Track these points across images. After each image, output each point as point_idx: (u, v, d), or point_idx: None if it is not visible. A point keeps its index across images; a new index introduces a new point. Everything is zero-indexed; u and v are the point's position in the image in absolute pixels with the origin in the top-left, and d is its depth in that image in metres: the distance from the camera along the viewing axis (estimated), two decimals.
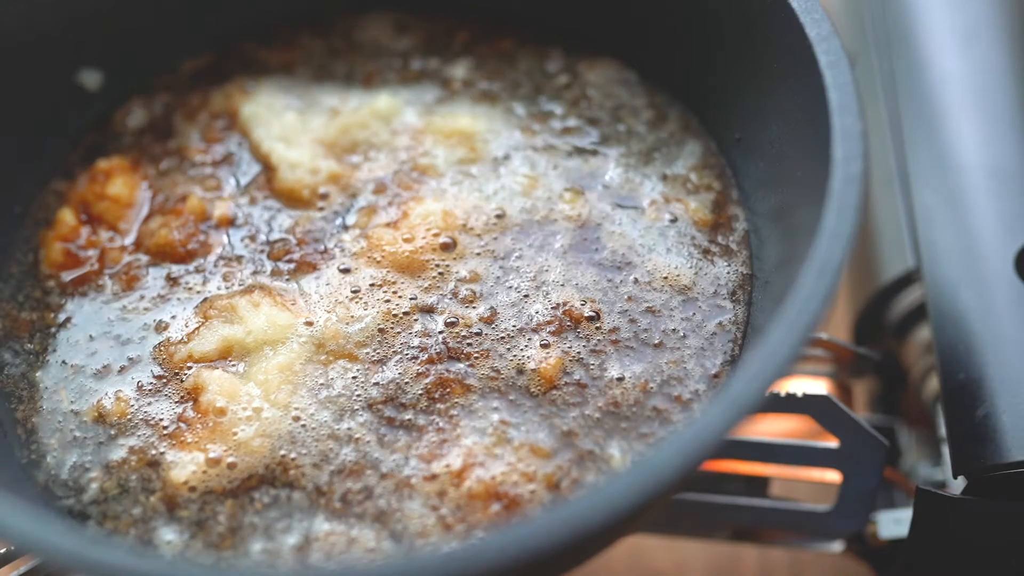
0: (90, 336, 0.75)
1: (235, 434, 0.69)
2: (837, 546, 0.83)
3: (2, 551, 0.70)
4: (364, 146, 0.82)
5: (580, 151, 0.81)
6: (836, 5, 1.01)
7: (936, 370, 0.77)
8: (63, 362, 0.74)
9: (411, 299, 0.73)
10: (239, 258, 0.77)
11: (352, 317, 0.73)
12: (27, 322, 0.76)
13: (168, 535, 0.67)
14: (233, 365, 0.72)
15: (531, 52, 0.87)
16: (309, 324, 0.73)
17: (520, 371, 0.70)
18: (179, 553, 0.66)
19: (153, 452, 0.69)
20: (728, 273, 0.75)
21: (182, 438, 0.69)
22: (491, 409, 0.69)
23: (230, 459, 0.68)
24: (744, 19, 0.74)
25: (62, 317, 0.76)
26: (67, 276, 0.78)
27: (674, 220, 0.77)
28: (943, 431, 0.76)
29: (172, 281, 0.77)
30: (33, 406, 0.73)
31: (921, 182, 0.83)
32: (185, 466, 0.68)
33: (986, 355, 0.75)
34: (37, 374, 0.74)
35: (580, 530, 0.52)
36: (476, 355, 0.71)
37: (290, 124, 0.83)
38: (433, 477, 0.67)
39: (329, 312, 0.73)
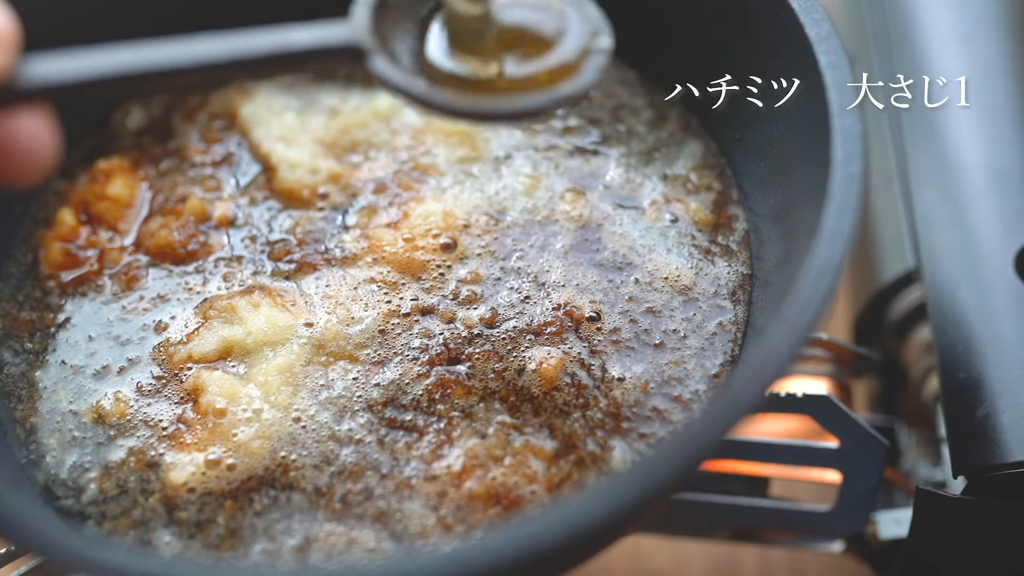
0: (89, 336, 0.75)
1: (235, 435, 0.69)
2: (837, 546, 0.83)
3: (2, 551, 0.70)
4: (364, 146, 0.82)
5: (581, 151, 0.81)
6: (836, 5, 1.01)
7: (936, 370, 0.77)
8: (62, 362, 0.74)
9: (412, 300, 0.73)
10: (239, 258, 0.77)
11: (352, 318, 0.73)
12: (27, 321, 0.76)
13: (167, 536, 0.67)
14: (233, 366, 0.72)
15: None
16: (309, 325, 0.73)
17: (521, 372, 0.70)
18: (178, 554, 0.66)
19: (152, 453, 0.69)
20: (728, 273, 0.75)
21: (181, 439, 0.69)
22: (492, 410, 0.69)
23: (229, 460, 0.68)
24: (744, 19, 0.74)
25: (61, 317, 0.76)
26: (67, 276, 0.78)
27: (675, 220, 0.77)
28: (943, 431, 0.76)
29: (172, 282, 0.76)
30: (32, 406, 0.73)
31: (921, 182, 0.83)
32: (184, 467, 0.68)
33: (986, 355, 0.75)
34: (36, 373, 0.74)
35: (580, 530, 0.52)
36: (477, 356, 0.71)
37: (290, 124, 0.83)
38: (433, 478, 0.67)
39: (329, 313, 0.73)
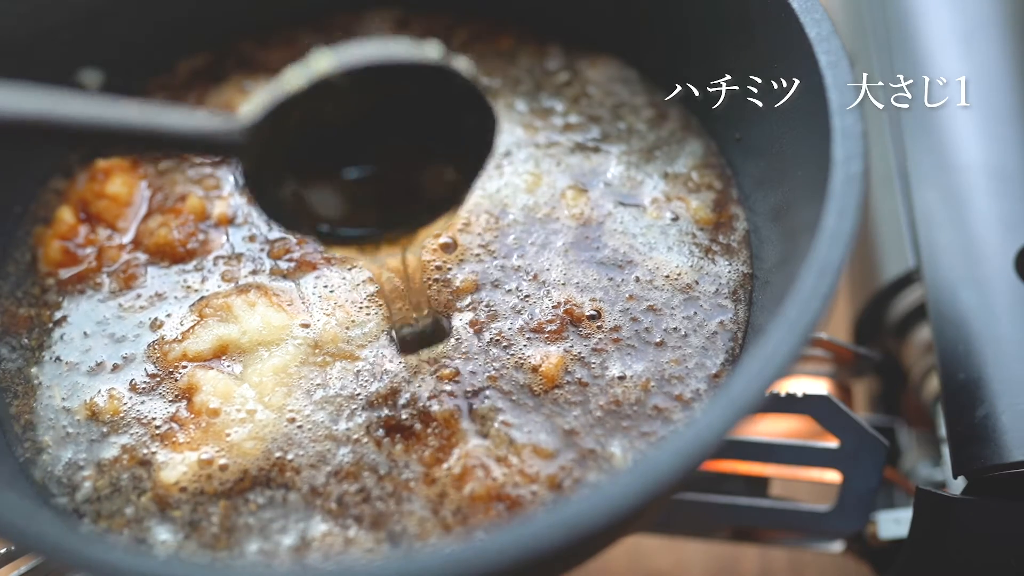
0: (84, 333, 0.74)
1: (228, 435, 0.68)
2: (837, 546, 0.83)
3: (2, 551, 0.69)
4: None
5: (582, 148, 0.81)
6: (836, 5, 1.01)
7: (936, 370, 0.77)
8: (57, 359, 0.74)
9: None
10: (239, 256, 0.77)
11: (352, 319, 0.73)
12: (25, 318, 0.76)
13: (162, 535, 0.66)
14: (228, 365, 0.72)
15: (531, 50, 0.87)
16: (305, 326, 0.72)
17: (522, 371, 0.70)
18: (174, 552, 0.66)
19: (144, 451, 0.69)
20: (729, 272, 0.75)
21: (174, 438, 0.69)
22: (493, 410, 0.69)
23: (222, 460, 0.68)
24: (744, 19, 0.74)
25: (59, 314, 0.76)
26: (65, 274, 0.77)
27: (675, 219, 0.77)
28: (943, 431, 0.76)
29: (170, 280, 0.76)
30: (28, 402, 0.72)
31: (921, 182, 0.83)
32: (175, 467, 0.68)
33: (986, 355, 0.75)
34: (32, 370, 0.74)
35: (580, 530, 0.52)
36: (477, 356, 0.71)
37: None
38: (433, 479, 0.66)
39: (328, 314, 0.73)
